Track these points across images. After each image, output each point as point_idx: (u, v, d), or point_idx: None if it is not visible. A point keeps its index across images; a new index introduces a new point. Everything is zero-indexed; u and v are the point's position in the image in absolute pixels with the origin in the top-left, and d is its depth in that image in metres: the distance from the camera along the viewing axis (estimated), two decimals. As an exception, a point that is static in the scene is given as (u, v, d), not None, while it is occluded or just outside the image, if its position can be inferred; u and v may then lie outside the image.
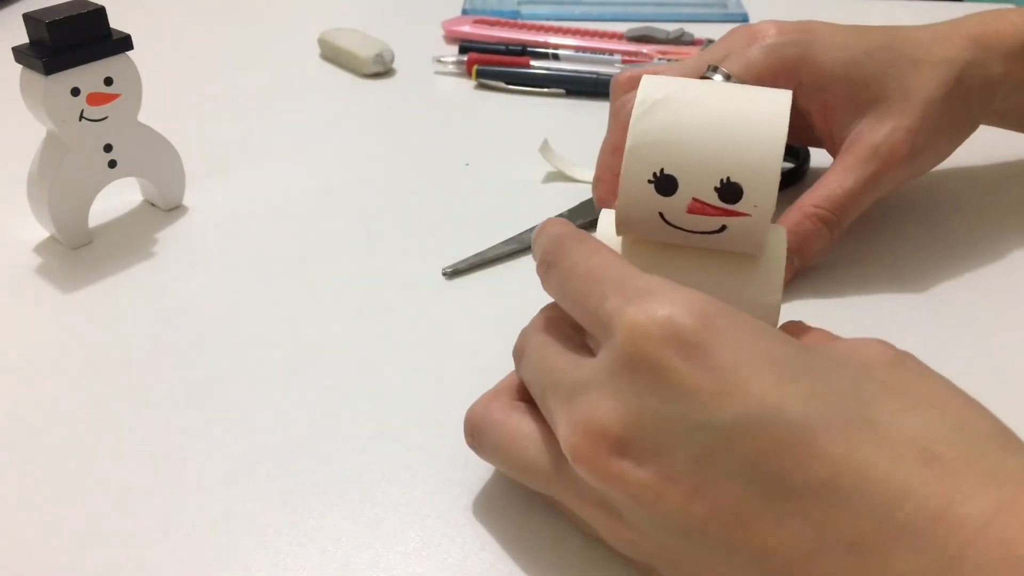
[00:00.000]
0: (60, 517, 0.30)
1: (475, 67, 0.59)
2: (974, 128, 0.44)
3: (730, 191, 0.29)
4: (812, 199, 0.40)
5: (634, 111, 0.30)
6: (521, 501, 0.31)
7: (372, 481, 0.31)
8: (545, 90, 0.59)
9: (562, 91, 0.59)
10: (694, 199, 0.30)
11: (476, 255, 0.43)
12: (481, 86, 0.60)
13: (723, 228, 0.30)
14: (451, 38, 0.67)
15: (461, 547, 0.29)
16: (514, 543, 0.29)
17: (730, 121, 0.29)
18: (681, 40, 0.64)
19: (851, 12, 0.73)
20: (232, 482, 0.31)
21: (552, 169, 0.50)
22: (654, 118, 0.30)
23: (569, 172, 0.50)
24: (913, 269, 0.42)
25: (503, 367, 0.36)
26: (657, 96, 0.30)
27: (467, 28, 0.66)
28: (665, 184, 0.30)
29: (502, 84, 0.59)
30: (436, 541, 0.29)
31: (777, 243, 0.33)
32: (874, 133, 0.40)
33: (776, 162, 0.29)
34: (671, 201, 0.30)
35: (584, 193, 0.48)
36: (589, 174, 0.49)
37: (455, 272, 0.42)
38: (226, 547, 0.29)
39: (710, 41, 0.64)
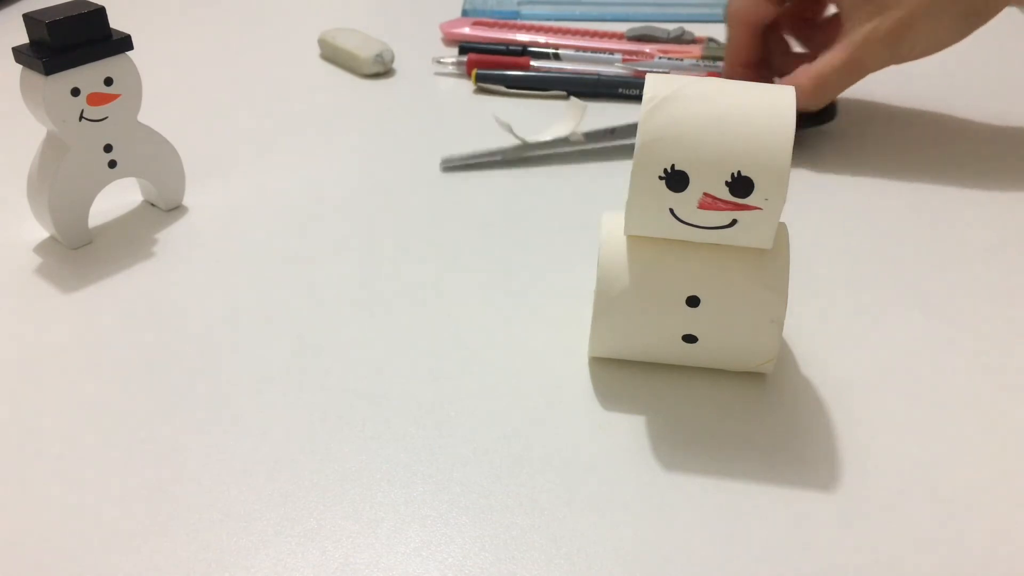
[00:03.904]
0: (60, 517, 0.30)
1: (474, 71, 0.59)
2: (992, 14, 0.49)
3: (741, 185, 0.30)
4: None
5: (642, 108, 0.30)
6: (522, 501, 0.31)
7: (372, 481, 0.31)
8: (546, 93, 0.59)
9: (564, 93, 0.59)
10: (705, 194, 0.30)
11: (473, 155, 0.48)
12: (481, 89, 0.60)
13: (733, 222, 0.31)
14: (449, 40, 0.67)
15: (461, 547, 0.29)
16: (514, 543, 0.29)
17: (739, 115, 0.30)
18: (682, 39, 0.64)
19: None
20: (232, 482, 0.31)
21: (516, 142, 0.51)
22: (663, 115, 0.30)
23: (529, 140, 0.51)
24: (916, 266, 0.42)
25: (502, 368, 0.36)
26: (665, 93, 0.30)
27: (465, 30, 0.66)
28: (676, 180, 0.30)
29: (503, 88, 0.59)
30: (436, 541, 0.29)
31: (782, 238, 0.33)
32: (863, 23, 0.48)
33: (786, 154, 0.29)
34: (682, 197, 0.30)
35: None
36: (544, 134, 0.52)
37: (450, 167, 0.47)
38: (226, 547, 0.29)
39: (711, 39, 0.64)
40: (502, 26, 0.66)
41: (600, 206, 0.47)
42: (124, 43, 0.41)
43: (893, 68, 0.64)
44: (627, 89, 0.58)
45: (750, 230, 0.31)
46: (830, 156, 0.52)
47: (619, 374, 0.36)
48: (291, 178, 0.50)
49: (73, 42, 0.40)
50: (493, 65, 0.60)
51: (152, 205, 0.47)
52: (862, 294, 0.41)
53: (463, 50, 0.63)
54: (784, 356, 0.37)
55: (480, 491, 0.31)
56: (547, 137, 0.52)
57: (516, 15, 0.71)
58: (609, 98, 0.59)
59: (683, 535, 0.30)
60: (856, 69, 0.49)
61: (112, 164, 0.43)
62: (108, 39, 0.41)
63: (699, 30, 0.68)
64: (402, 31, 0.68)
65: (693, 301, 0.33)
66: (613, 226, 0.34)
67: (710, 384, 0.35)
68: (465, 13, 0.71)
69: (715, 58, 0.62)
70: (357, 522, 0.30)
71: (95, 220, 0.45)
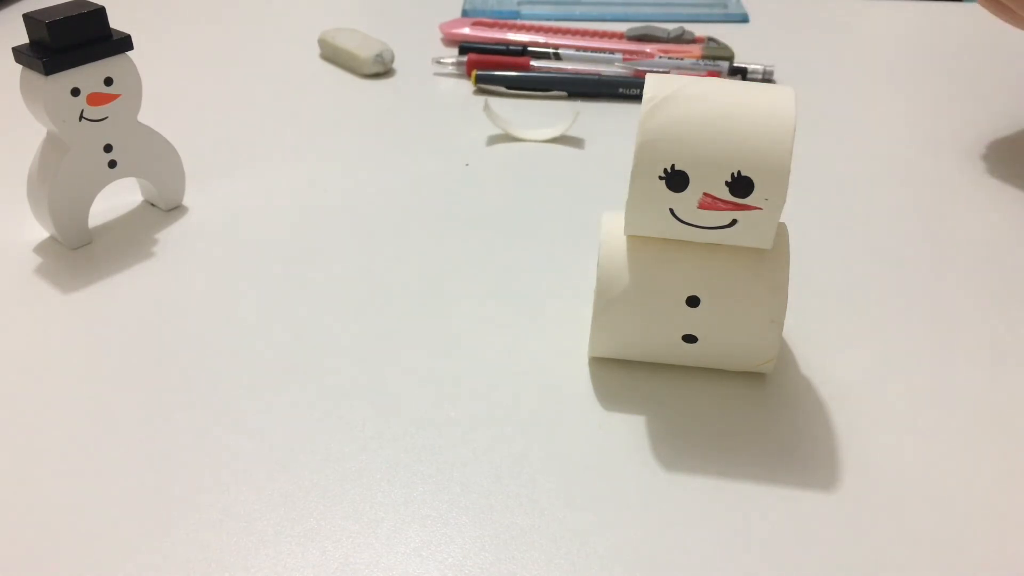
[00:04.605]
0: (60, 517, 0.30)
1: (474, 72, 0.59)
2: None
3: (741, 185, 0.30)
4: None
5: (642, 108, 0.30)
6: (522, 501, 0.31)
7: (372, 481, 0.31)
8: (547, 93, 0.59)
9: (564, 94, 0.59)
10: (705, 194, 0.30)
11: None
12: (481, 90, 0.60)
13: (733, 222, 0.31)
14: (449, 40, 0.67)
15: (461, 547, 0.29)
16: (514, 543, 0.29)
17: (739, 115, 0.30)
18: (682, 39, 0.64)
19: (851, 12, 0.73)
20: (232, 482, 0.31)
21: (498, 131, 0.53)
22: (663, 115, 0.30)
23: (514, 133, 0.53)
24: (916, 266, 0.42)
25: (502, 368, 0.36)
26: (665, 93, 0.30)
27: (465, 31, 0.66)
28: (676, 180, 0.30)
29: (503, 88, 0.59)
30: (436, 541, 0.29)
31: (782, 238, 0.33)
32: None
33: (787, 154, 0.29)
34: (682, 197, 0.30)
35: (529, 149, 0.48)
36: (532, 133, 0.53)
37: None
38: (226, 547, 0.29)
39: (711, 39, 0.64)
40: (502, 26, 0.66)
41: (600, 206, 0.47)
42: (124, 43, 0.41)
43: (887, 70, 0.64)
44: (627, 89, 0.58)
45: (750, 230, 0.31)
46: (829, 154, 0.52)
47: (619, 374, 0.36)
48: (291, 178, 0.50)
49: (73, 42, 0.40)
50: (493, 65, 0.60)
51: (152, 205, 0.47)
52: (862, 294, 0.41)
53: (463, 50, 0.63)
54: (784, 356, 0.37)
55: (480, 491, 0.31)
56: (534, 136, 0.53)
57: (516, 15, 0.71)
58: (610, 98, 0.59)
59: (683, 535, 0.30)
60: None
61: (112, 164, 0.43)
62: (108, 39, 0.41)
63: (699, 30, 0.68)
64: (402, 31, 0.68)
65: (693, 301, 0.33)
66: (613, 226, 0.34)
67: (710, 384, 0.35)
68: (465, 13, 0.71)
69: (715, 58, 0.62)
70: (357, 522, 0.30)
71: (95, 220, 0.45)
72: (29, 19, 0.39)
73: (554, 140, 0.53)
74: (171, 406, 0.34)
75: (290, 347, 0.37)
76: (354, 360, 0.37)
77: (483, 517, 0.30)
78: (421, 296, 0.40)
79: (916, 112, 0.57)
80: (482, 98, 0.59)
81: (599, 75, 0.59)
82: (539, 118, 0.56)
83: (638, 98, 0.58)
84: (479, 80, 0.59)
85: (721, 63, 0.60)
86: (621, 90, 0.58)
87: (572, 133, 0.54)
